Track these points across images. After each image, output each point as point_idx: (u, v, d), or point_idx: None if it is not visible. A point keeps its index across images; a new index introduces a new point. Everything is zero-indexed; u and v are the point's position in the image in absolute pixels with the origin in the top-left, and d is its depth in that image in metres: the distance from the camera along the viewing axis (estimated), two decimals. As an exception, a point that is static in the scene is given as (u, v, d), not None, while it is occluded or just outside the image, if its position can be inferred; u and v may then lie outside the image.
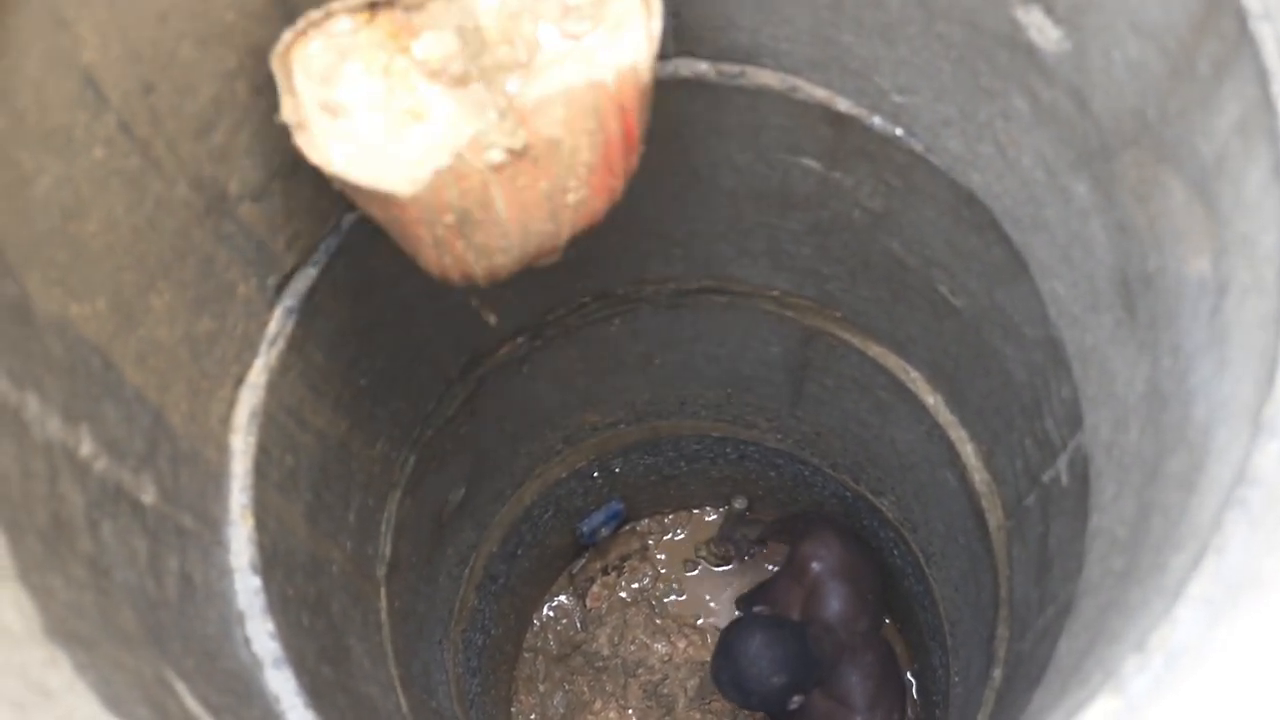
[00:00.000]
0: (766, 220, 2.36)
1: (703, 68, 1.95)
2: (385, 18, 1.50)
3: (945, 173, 1.93)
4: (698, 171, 2.21)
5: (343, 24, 1.49)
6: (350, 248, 1.90)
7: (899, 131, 1.93)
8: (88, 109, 1.30)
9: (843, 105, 1.95)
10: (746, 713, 4.01)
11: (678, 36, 1.89)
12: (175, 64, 1.41)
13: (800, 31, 1.84)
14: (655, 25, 1.50)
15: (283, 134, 1.63)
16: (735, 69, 1.95)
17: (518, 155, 1.48)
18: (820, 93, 1.95)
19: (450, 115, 1.48)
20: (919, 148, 1.93)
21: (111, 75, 1.33)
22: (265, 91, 1.57)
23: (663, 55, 1.92)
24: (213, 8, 1.42)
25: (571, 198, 1.56)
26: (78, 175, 1.31)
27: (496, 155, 1.47)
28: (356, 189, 1.47)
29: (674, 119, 2.05)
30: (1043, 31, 1.53)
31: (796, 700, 3.10)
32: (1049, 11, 1.51)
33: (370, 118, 1.48)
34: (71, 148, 1.29)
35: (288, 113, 1.45)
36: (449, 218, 1.49)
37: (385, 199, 1.46)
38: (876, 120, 1.94)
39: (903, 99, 1.87)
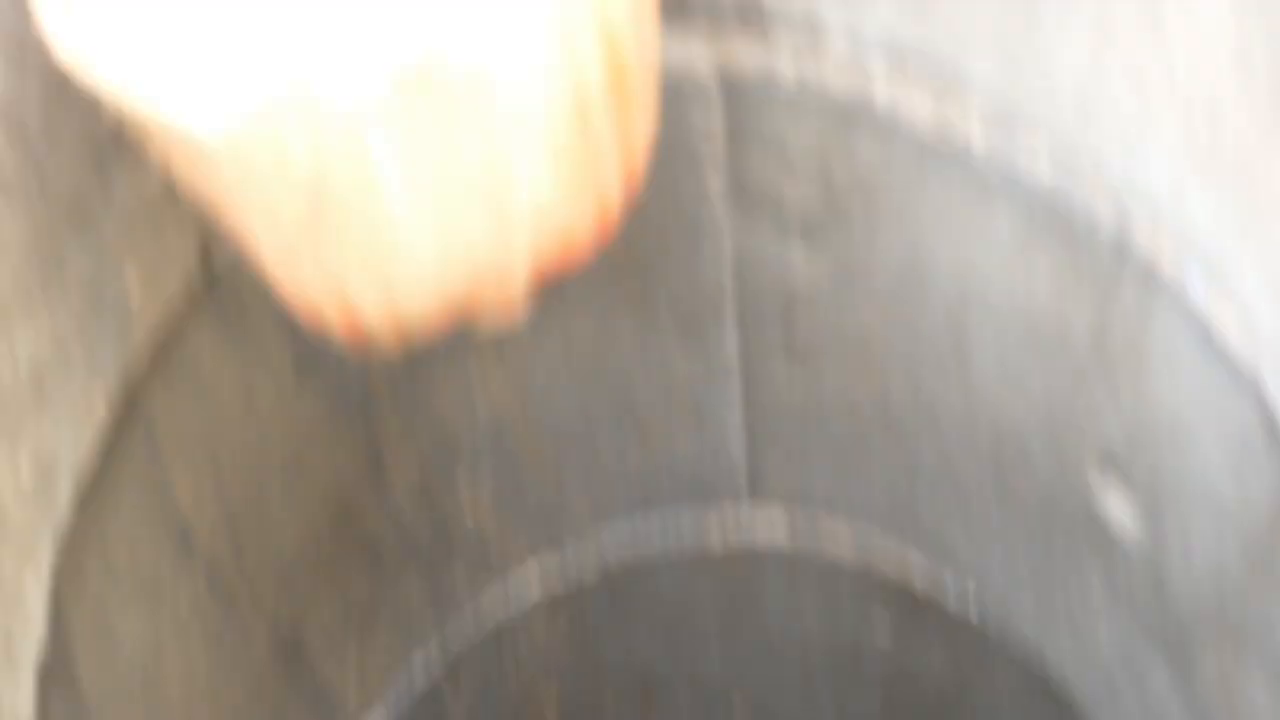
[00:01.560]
0: (833, 686, 2.32)
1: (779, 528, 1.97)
2: None
3: (1017, 652, 1.91)
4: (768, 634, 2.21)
5: None
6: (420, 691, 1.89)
7: (971, 608, 1.92)
8: (177, 562, 1.33)
9: (917, 577, 1.95)
10: None
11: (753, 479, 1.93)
12: (266, 521, 1.45)
13: (875, 494, 1.87)
14: None
15: (358, 573, 1.65)
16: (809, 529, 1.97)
17: (417, 83, 0.78)
18: (892, 560, 1.96)
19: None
20: (990, 625, 1.91)
21: (204, 530, 1.37)
22: (345, 538, 1.61)
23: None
24: (307, 468, 1.48)
25: (525, 194, 0.88)
26: (163, 626, 1.32)
27: (378, 80, 0.77)
28: (130, 113, 0.82)
29: (743, 587, 2.07)
30: (1121, 518, 1.55)
31: None
32: (1128, 499, 1.53)
33: None
34: (159, 598, 1.32)
35: None
36: (297, 200, 0.81)
37: (180, 138, 0.80)
38: (949, 596, 1.94)
39: (974, 578, 1.88)
